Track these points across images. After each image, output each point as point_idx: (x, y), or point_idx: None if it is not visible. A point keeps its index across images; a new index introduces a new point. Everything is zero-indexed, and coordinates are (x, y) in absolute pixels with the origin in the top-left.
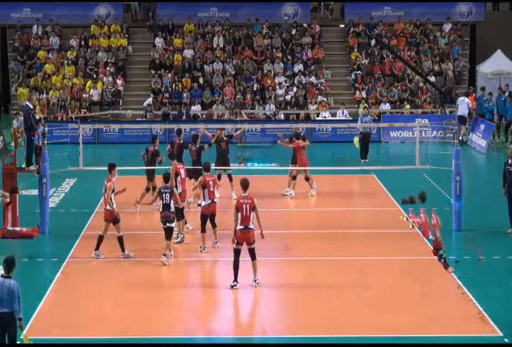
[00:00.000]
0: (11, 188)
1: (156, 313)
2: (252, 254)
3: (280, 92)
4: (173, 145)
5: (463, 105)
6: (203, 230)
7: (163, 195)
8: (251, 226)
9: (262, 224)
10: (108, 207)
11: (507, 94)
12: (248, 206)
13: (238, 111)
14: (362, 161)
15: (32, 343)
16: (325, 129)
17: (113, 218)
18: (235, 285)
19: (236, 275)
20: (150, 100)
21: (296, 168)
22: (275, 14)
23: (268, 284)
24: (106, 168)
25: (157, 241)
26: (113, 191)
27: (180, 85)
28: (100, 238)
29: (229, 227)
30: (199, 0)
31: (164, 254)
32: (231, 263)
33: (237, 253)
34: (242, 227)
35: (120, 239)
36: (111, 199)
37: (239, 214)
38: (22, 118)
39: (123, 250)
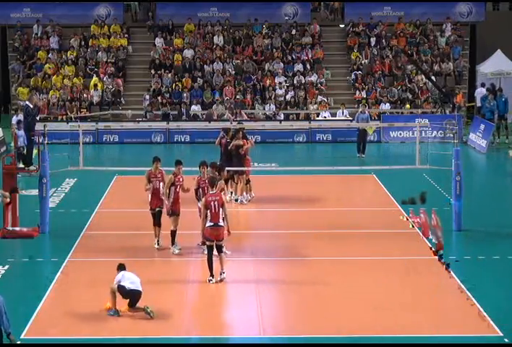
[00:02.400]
0: (11, 188)
1: (156, 313)
2: (219, 249)
3: (280, 92)
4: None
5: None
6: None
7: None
8: (221, 223)
9: (263, 223)
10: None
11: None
12: (216, 203)
13: (238, 111)
14: (358, 155)
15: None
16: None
17: (167, 211)
18: (210, 279)
19: (211, 270)
20: (145, 95)
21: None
22: (275, 14)
23: (269, 284)
24: (105, 169)
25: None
26: (173, 184)
27: (180, 85)
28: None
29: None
30: (199, 0)
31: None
32: (233, 263)
33: (209, 249)
34: (212, 224)
35: (172, 233)
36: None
37: (208, 211)
38: (22, 118)
39: (172, 243)
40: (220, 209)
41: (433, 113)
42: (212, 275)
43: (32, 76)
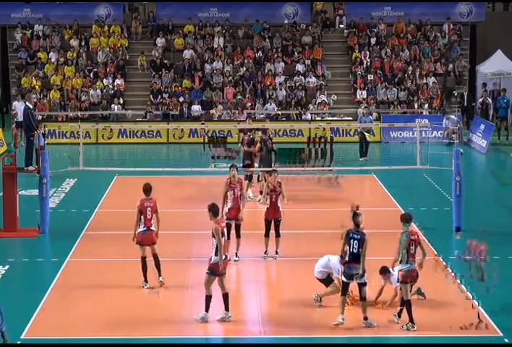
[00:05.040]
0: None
1: (156, 313)
2: (154, 253)
3: (280, 92)
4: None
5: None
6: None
7: None
8: (152, 228)
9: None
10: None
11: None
12: (150, 209)
13: (238, 111)
14: (361, 159)
15: None
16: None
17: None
18: (144, 285)
19: (146, 276)
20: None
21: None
22: (275, 15)
23: (269, 284)
24: (105, 169)
25: (159, 242)
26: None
27: (180, 85)
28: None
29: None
30: (200, 0)
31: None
32: (237, 264)
33: (144, 253)
34: (145, 228)
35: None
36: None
37: (142, 216)
38: (22, 118)
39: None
40: (153, 214)
41: (434, 112)
42: (146, 281)
43: (32, 76)
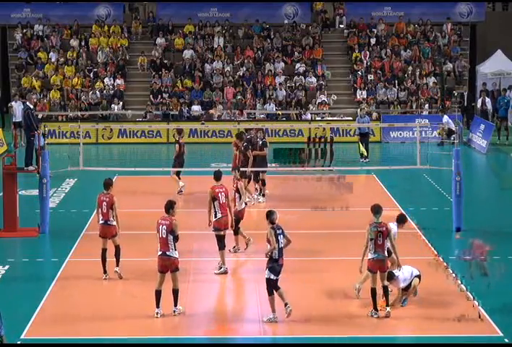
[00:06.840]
0: None
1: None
2: (116, 245)
3: (280, 92)
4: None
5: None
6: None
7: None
8: (110, 222)
9: (263, 223)
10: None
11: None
12: (106, 203)
13: (238, 111)
14: (362, 160)
15: None
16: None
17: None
18: (104, 276)
19: (104, 267)
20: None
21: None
22: (275, 15)
23: None
24: (105, 169)
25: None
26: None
27: (180, 85)
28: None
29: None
30: (200, 0)
31: None
32: (233, 262)
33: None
34: (102, 222)
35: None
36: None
37: (100, 209)
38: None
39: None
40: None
41: (433, 113)
42: (105, 272)
43: (32, 76)
